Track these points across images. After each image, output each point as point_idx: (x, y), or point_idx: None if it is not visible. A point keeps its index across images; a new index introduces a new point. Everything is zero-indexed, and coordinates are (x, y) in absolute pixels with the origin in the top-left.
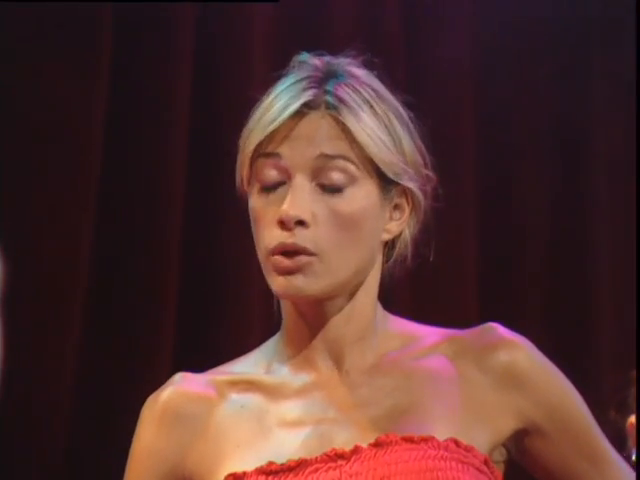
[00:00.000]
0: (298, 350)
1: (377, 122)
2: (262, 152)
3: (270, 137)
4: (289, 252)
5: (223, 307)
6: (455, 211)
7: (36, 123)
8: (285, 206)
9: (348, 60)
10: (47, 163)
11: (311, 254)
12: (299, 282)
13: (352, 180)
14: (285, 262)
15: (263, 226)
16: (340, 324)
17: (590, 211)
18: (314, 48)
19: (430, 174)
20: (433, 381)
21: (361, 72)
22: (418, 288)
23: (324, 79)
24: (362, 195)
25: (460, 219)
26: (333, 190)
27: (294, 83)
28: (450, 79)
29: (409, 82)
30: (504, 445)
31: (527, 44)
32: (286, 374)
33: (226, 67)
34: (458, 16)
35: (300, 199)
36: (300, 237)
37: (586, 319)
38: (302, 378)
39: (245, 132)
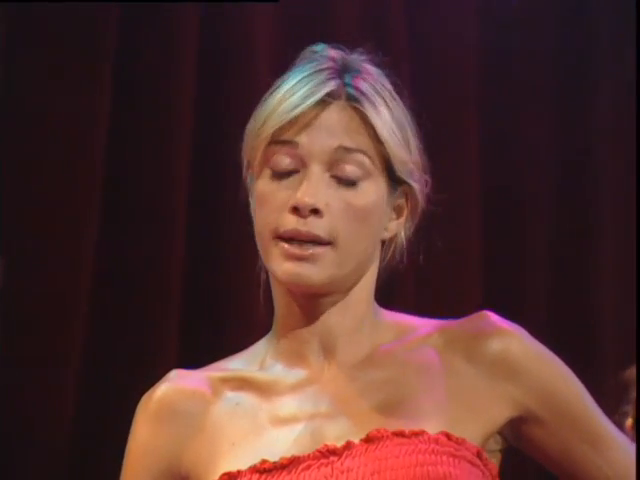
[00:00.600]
0: (290, 344)
1: (393, 119)
2: (279, 139)
3: (289, 124)
4: (301, 240)
5: (227, 307)
6: (459, 210)
7: (38, 122)
8: (299, 194)
9: (362, 57)
10: (51, 164)
11: (324, 243)
12: (305, 270)
13: (367, 174)
14: (296, 250)
15: (271, 210)
16: (334, 319)
17: (592, 211)
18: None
19: (428, 178)
20: (424, 374)
21: (374, 69)
22: (422, 286)
23: (341, 71)
24: (373, 190)
25: (464, 218)
26: (348, 183)
27: (314, 72)
28: (454, 79)
29: (412, 80)
30: (500, 433)
31: (529, 44)
32: (279, 370)
33: (230, 66)
34: (461, 14)
35: (315, 188)
36: (314, 225)
37: (588, 320)
38: (294, 374)
39: (259, 116)
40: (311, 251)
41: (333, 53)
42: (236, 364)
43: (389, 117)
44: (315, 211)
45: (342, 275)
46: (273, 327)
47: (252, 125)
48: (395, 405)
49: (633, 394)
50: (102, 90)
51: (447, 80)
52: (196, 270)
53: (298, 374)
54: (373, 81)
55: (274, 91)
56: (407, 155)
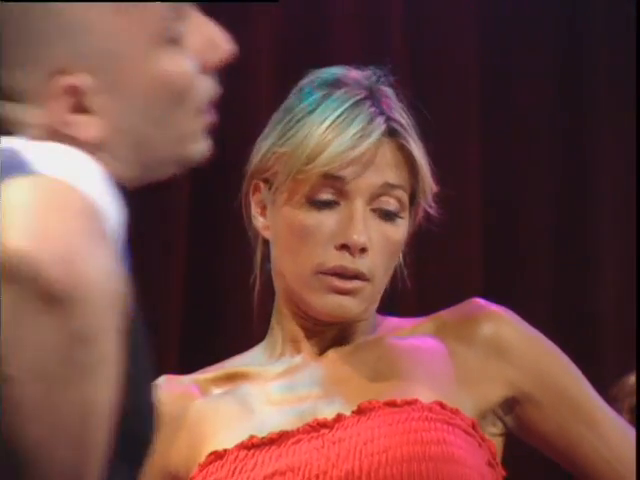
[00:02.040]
0: (288, 335)
1: (419, 148)
2: (327, 173)
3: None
4: (347, 276)
5: (229, 307)
6: (461, 211)
7: None
8: (351, 231)
9: (379, 79)
10: None
11: (365, 279)
12: (348, 303)
13: (403, 209)
14: (341, 284)
15: (315, 244)
16: (338, 328)
17: (594, 211)
18: (317, 46)
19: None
20: (416, 352)
21: (389, 91)
22: (423, 285)
23: (374, 100)
24: (405, 223)
25: (466, 221)
26: (388, 218)
27: (355, 104)
28: (455, 82)
29: (412, 84)
30: (498, 417)
31: (531, 45)
32: (272, 359)
33: (230, 67)
34: (462, 18)
35: (363, 225)
36: (360, 263)
37: (589, 323)
38: (287, 361)
39: (301, 147)
40: (354, 284)
41: (357, 76)
42: (240, 361)
43: (419, 148)
44: (363, 249)
45: (374, 303)
46: (273, 340)
47: (288, 151)
48: (386, 379)
49: (632, 401)
50: None
51: (449, 84)
52: (199, 270)
53: (290, 361)
54: (397, 107)
55: (305, 116)
56: (432, 182)
